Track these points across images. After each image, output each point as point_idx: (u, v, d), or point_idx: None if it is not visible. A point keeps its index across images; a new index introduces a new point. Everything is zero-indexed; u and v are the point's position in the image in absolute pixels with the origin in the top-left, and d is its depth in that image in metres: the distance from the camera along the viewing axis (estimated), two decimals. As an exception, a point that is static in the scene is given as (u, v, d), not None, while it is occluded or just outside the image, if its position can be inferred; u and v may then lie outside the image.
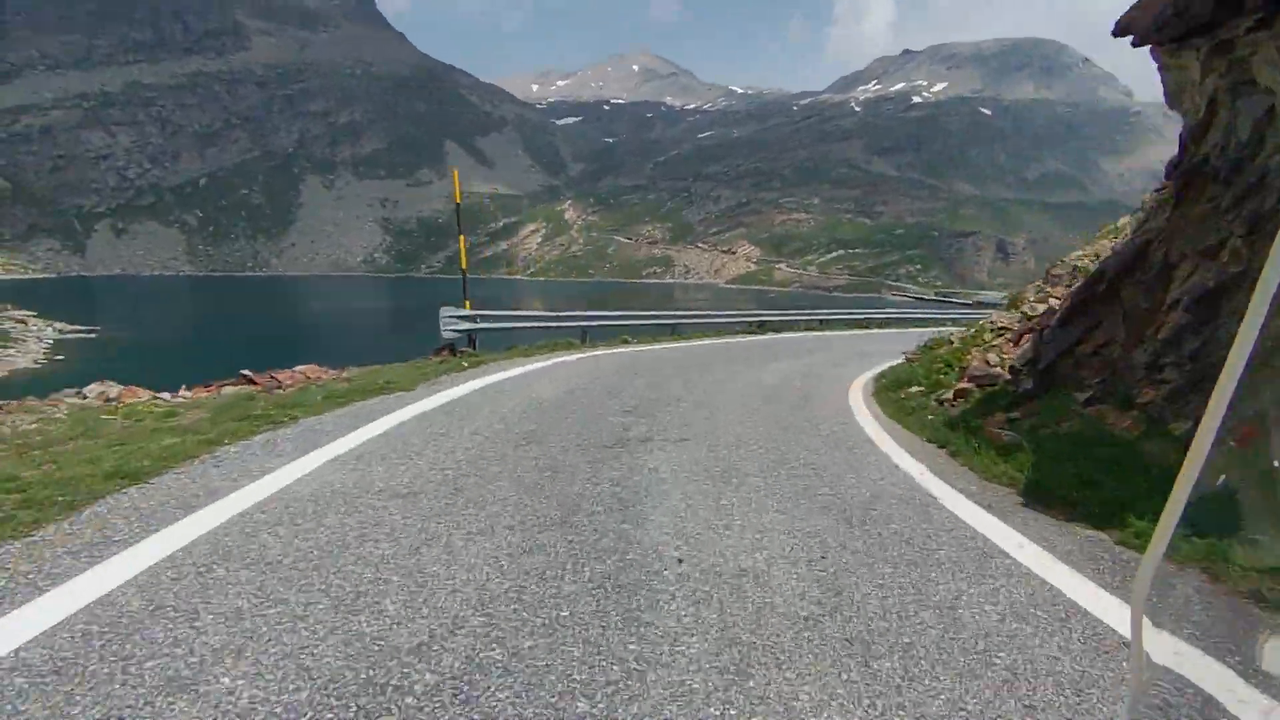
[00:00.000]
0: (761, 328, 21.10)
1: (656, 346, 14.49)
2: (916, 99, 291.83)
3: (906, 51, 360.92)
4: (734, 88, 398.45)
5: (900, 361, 10.18)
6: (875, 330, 24.98)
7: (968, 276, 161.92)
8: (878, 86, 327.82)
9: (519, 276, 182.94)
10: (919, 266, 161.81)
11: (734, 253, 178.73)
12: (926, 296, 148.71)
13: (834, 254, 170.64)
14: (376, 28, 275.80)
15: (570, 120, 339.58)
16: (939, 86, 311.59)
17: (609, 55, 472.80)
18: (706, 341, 16.70)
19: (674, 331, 18.20)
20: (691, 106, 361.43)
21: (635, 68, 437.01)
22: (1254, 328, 0.61)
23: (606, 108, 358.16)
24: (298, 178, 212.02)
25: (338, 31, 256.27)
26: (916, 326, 24.87)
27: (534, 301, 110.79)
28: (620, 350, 13.40)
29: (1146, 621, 0.76)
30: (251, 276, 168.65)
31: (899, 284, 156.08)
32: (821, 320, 24.49)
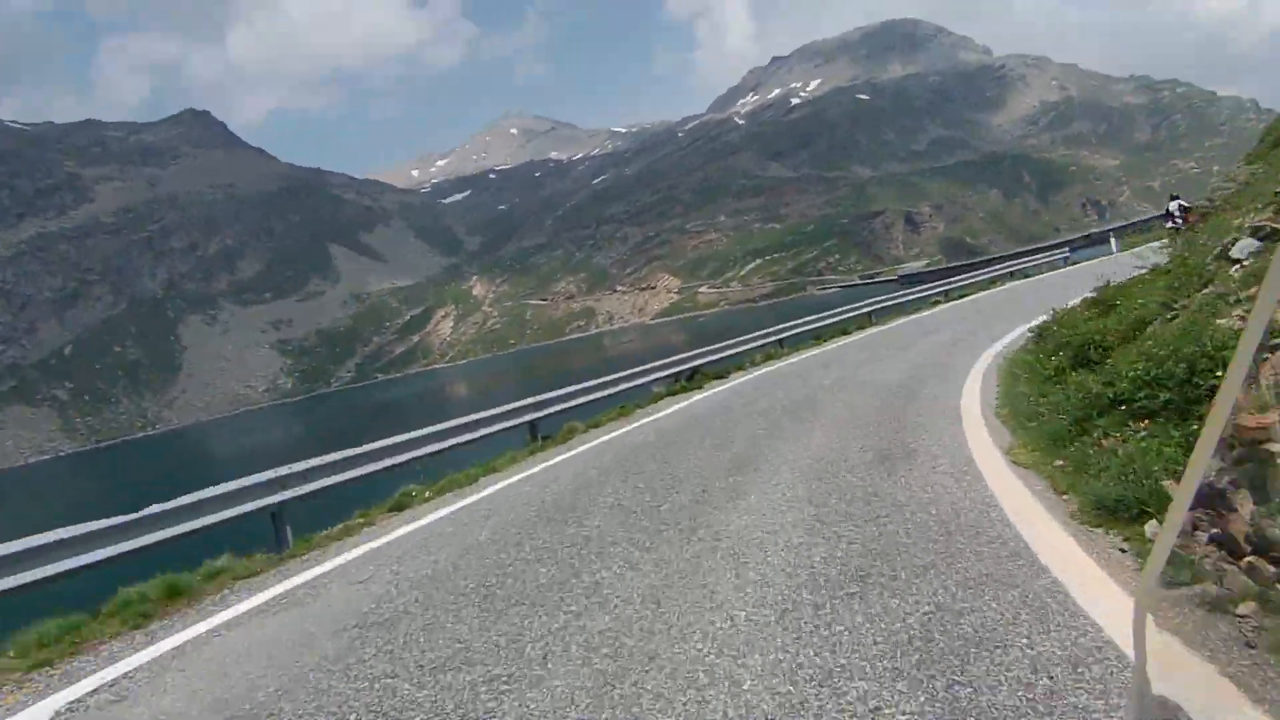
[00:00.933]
0: (691, 379, 15.50)
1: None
2: (795, 100, 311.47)
3: (775, 59, 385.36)
4: (617, 128, 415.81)
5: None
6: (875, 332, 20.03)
7: (885, 254, 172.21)
8: (755, 97, 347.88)
9: (439, 365, 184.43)
10: (838, 256, 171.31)
11: (654, 287, 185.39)
12: (853, 282, 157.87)
13: (752, 265, 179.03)
14: (231, 148, 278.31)
15: (458, 196, 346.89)
16: (814, 84, 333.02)
17: (485, 125, 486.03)
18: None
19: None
20: (579, 156, 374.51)
21: (514, 131, 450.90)
22: (1260, 324, 0.64)
23: (493, 176, 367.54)
24: (174, 321, 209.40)
25: (189, 161, 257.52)
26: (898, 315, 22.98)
27: (459, 386, 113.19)
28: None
29: (1150, 623, 0.81)
30: (143, 438, 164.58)
31: (821, 278, 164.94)
32: (780, 341, 19.19)
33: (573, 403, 12.61)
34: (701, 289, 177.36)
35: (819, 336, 20.37)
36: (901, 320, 21.94)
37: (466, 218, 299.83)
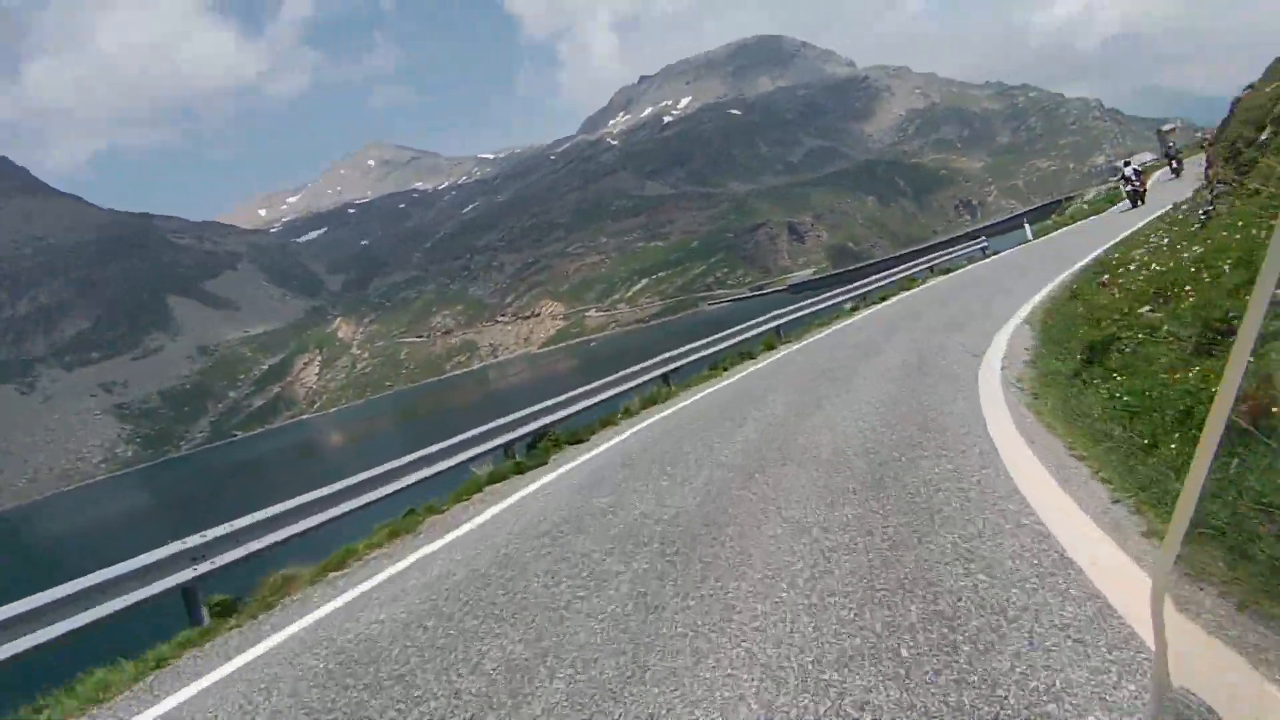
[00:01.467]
0: (534, 448, 11.02)
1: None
2: (668, 118, 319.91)
3: (644, 77, 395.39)
4: (485, 155, 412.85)
5: None
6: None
7: (773, 265, 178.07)
8: (627, 116, 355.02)
9: (308, 415, 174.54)
10: (725, 270, 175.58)
11: (538, 315, 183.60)
12: (743, 295, 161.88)
13: (639, 284, 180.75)
14: (42, 197, 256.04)
15: (314, 234, 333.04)
16: (685, 101, 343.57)
17: (339, 158, 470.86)
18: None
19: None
20: (445, 185, 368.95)
21: (372, 163, 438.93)
22: (1261, 304, 0.67)
23: (352, 211, 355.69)
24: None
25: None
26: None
27: (332, 435, 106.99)
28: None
29: (1169, 610, 0.81)
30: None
31: (711, 294, 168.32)
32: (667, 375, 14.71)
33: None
34: (589, 313, 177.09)
35: (716, 365, 15.61)
36: (819, 335, 17.52)
37: (325, 256, 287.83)
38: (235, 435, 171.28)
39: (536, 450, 10.56)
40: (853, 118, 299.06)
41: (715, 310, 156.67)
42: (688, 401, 12.28)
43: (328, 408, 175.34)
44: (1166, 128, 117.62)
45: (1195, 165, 23.66)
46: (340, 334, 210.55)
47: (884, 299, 22.46)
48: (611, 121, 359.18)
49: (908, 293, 23.08)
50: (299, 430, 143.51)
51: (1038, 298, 12.34)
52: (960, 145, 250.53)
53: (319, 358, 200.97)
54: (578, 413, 12.19)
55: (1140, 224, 16.25)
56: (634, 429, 10.79)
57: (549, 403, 11.64)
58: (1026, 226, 34.03)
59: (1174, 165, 30.00)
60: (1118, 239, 15.21)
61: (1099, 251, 14.07)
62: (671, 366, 14.60)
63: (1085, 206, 38.00)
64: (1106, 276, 8.96)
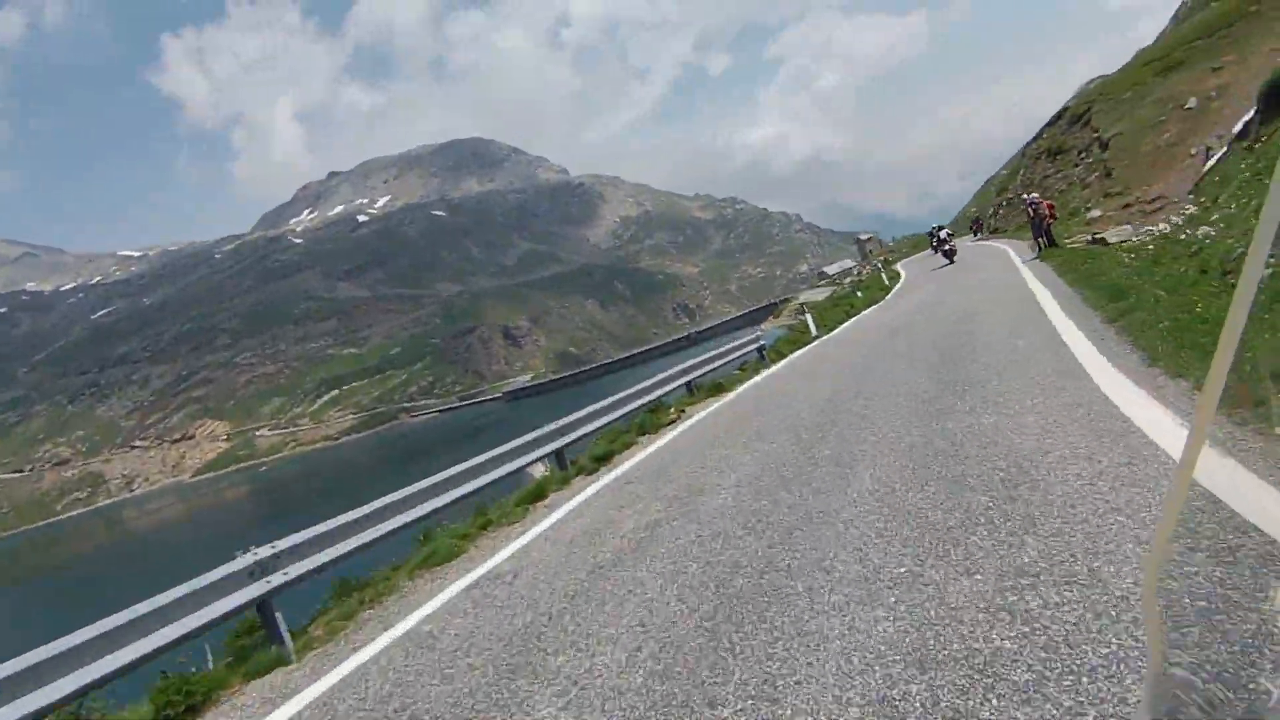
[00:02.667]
0: None
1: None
2: (363, 217, 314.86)
3: (334, 173, 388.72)
4: (128, 251, 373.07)
5: None
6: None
7: (486, 370, 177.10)
8: (313, 213, 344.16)
9: None
10: (432, 378, 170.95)
11: (193, 437, 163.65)
12: (453, 404, 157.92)
13: (326, 397, 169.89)
14: None
15: None
16: (383, 200, 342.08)
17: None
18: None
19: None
20: (70, 285, 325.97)
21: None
22: (1251, 283, 0.72)
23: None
24: None
25: None
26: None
27: None
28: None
29: (1161, 606, 0.87)
30: None
31: (414, 404, 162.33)
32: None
33: None
34: (261, 432, 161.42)
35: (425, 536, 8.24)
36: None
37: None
38: None
39: None
40: (568, 222, 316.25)
41: (420, 422, 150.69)
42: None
43: None
44: (864, 237, 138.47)
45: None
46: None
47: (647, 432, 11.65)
48: (295, 219, 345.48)
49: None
50: None
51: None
52: (676, 251, 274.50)
53: None
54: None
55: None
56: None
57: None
58: (809, 318, 35.11)
59: (947, 248, 34.21)
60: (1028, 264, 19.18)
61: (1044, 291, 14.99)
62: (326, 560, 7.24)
63: (859, 295, 40.71)
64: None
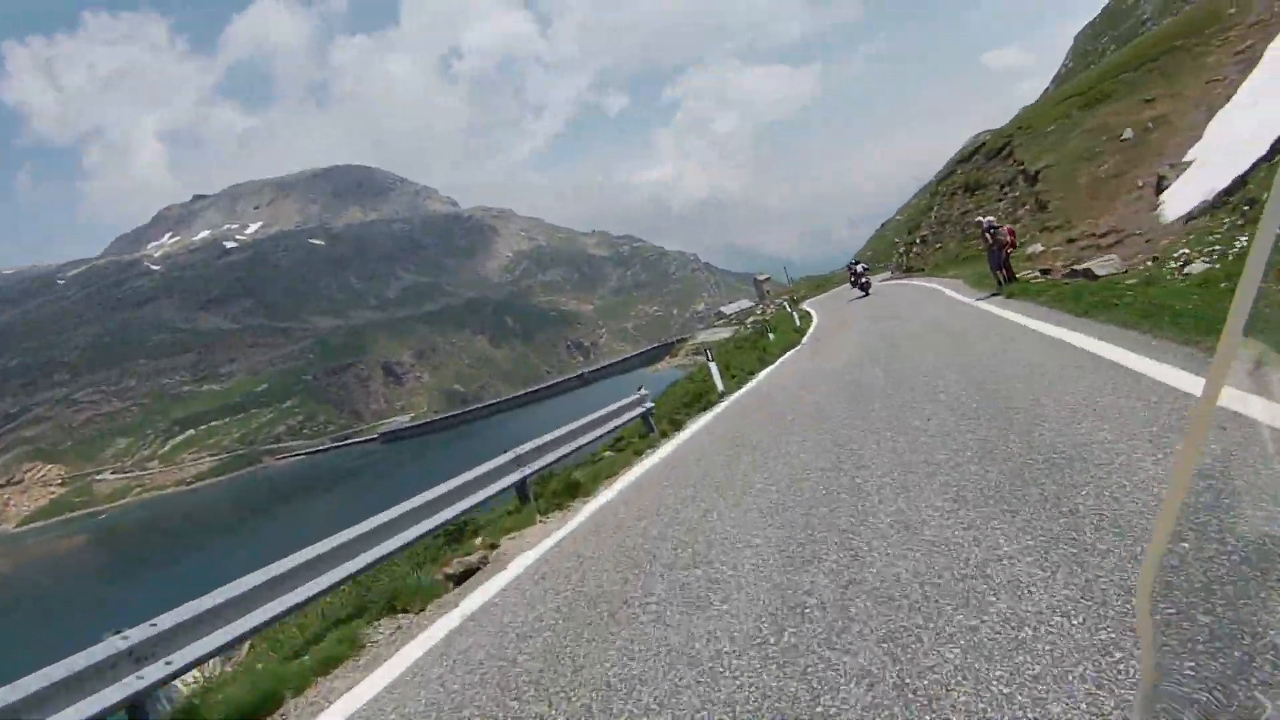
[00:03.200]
0: None
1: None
2: (231, 243, 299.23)
3: (199, 196, 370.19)
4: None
5: None
6: None
7: (364, 409, 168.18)
8: (175, 239, 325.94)
9: None
10: (301, 417, 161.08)
11: (21, 481, 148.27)
12: (323, 446, 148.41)
13: (181, 437, 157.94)
14: None
15: None
16: (254, 227, 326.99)
17: None
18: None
19: None
20: None
21: None
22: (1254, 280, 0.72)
23: None
24: None
25: None
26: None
27: None
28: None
29: (1152, 617, 0.87)
30: None
31: (280, 445, 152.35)
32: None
33: None
34: (103, 476, 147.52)
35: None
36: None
37: None
38: None
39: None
40: (457, 255, 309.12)
41: (286, 465, 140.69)
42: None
43: None
44: (762, 278, 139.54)
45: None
46: None
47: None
48: (154, 243, 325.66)
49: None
50: None
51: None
52: (570, 288, 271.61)
53: None
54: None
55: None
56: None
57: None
58: (713, 368, 31.47)
59: (863, 281, 38.03)
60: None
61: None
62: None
63: (770, 336, 37.08)
64: None
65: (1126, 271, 13.37)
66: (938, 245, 41.72)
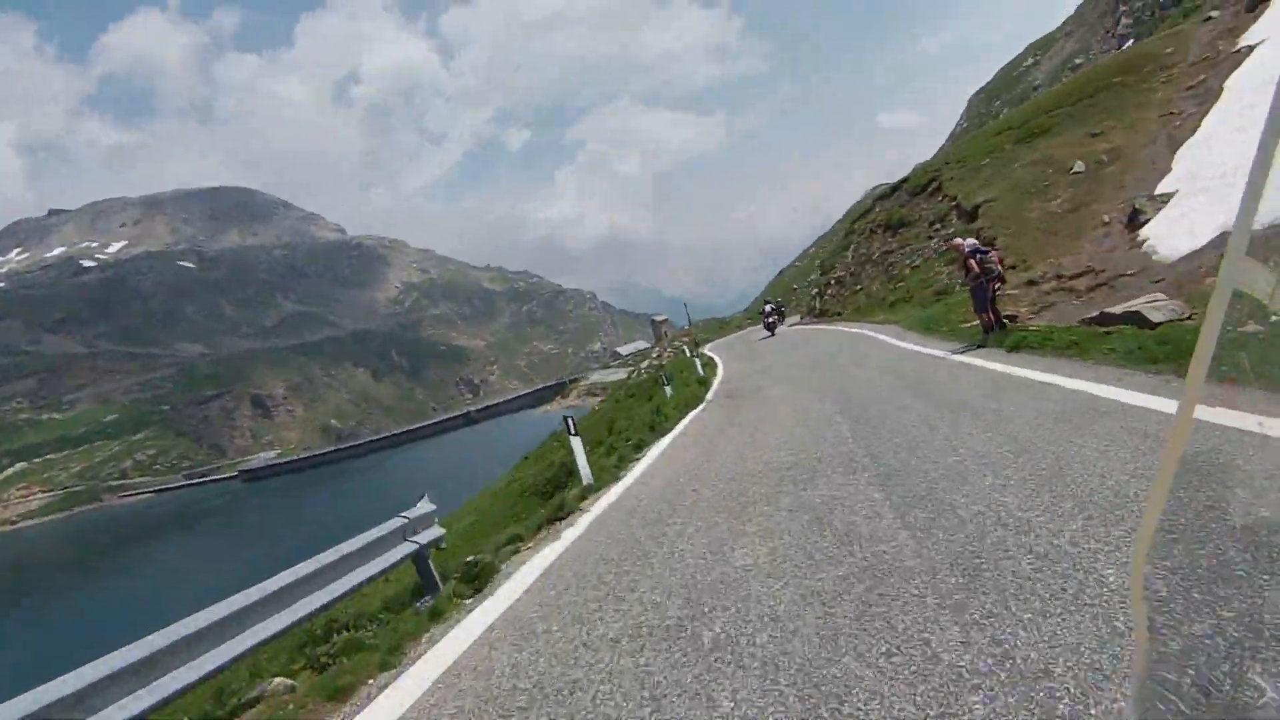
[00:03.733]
0: None
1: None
2: (89, 262, 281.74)
3: (55, 211, 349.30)
4: None
5: None
6: None
7: (229, 444, 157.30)
8: (24, 254, 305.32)
9: None
10: (154, 452, 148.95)
11: None
12: (175, 483, 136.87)
13: (11, 470, 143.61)
14: None
15: None
16: (117, 246, 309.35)
17: None
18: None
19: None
20: None
21: None
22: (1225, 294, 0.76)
23: None
24: None
25: None
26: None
27: None
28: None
29: (1148, 601, 0.87)
30: None
31: (127, 482, 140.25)
32: None
33: None
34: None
35: None
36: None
37: None
38: None
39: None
40: (341, 285, 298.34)
41: (131, 504, 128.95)
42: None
43: None
44: (660, 319, 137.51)
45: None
46: None
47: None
48: (1, 258, 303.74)
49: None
50: None
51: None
52: (462, 322, 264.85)
53: None
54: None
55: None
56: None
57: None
58: (558, 399, 26.52)
59: (769, 321, 42.82)
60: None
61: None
62: None
63: (667, 390, 32.04)
64: None
65: (1190, 317, 9.72)
66: (857, 287, 37.24)
